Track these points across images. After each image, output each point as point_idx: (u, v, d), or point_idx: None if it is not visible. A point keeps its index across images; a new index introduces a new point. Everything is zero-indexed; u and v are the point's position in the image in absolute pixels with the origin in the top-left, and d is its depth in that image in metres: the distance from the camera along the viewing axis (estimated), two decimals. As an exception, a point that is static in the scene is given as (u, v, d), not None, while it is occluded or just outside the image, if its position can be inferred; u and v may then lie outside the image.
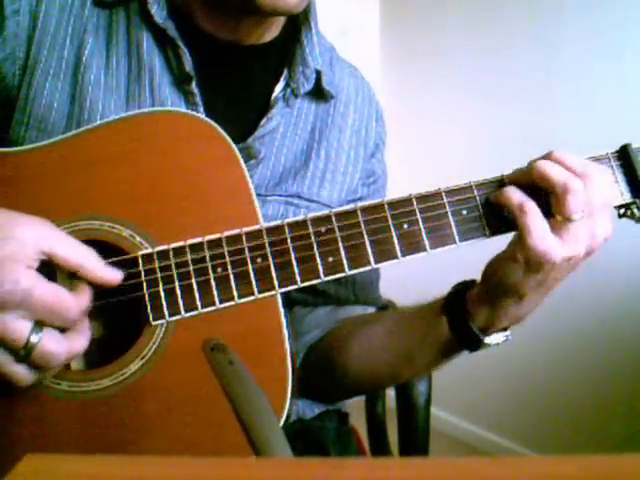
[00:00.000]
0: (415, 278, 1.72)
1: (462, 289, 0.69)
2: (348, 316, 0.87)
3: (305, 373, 0.84)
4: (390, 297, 0.97)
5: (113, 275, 0.59)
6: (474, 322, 0.67)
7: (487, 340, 0.68)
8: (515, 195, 0.62)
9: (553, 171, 0.61)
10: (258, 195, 0.77)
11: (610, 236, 0.63)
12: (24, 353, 0.53)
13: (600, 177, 0.62)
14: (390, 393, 1.02)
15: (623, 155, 0.67)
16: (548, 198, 0.62)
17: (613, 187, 0.66)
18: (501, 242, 0.67)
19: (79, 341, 0.57)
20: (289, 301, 0.86)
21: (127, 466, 0.28)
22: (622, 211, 0.68)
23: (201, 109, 0.75)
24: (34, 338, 0.53)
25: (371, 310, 0.90)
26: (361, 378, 0.82)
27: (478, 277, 0.68)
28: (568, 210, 0.60)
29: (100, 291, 0.61)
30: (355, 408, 1.02)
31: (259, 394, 0.39)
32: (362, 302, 0.89)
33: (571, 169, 0.61)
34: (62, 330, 0.57)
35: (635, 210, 0.67)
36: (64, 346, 0.55)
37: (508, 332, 0.69)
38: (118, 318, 0.64)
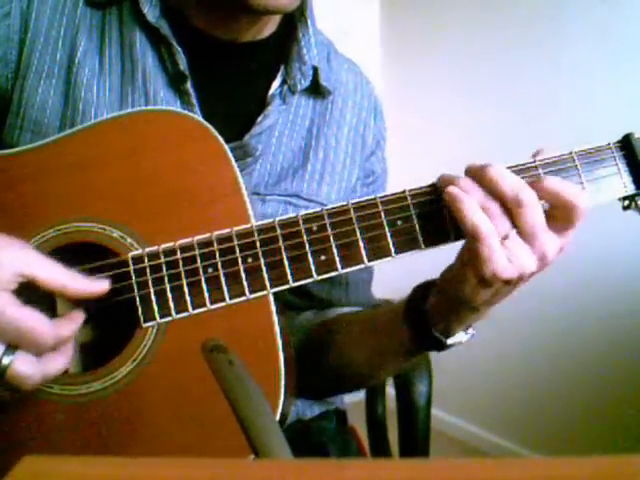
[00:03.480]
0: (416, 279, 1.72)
1: (420, 296, 0.68)
2: (329, 317, 0.86)
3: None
4: (390, 297, 0.96)
5: (98, 285, 0.59)
6: (436, 328, 0.66)
7: (450, 341, 0.67)
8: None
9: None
10: (257, 194, 0.77)
11: (564, 248, 0.60)
12: None
13: (534, 200, 0.58)
14: (390, 393, 1.02)
15: (626, 145, 0.64)
16: None
17: (616, 179, 0.64)
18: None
19: (55, 363, 0.57)
20: (282, 305, 0.86)
21: (123, 467, 0.28)
22: (626, 203, 0.66)
23: (196, 109, 0.75)
24: (6, 360, 0.54)
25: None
26: (342, 378, 0.83)
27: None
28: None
29: None
30: (355, 408, 1.01)
31: (259, 395, 0.39)
32: (353, 303, 0.88)
33: (503, 195, 0.57)
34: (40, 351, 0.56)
35: None
36: (37, 369, 0.55)
37: (471, 330, 0.68)
38: (112, 320, 0.64)
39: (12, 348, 0.54)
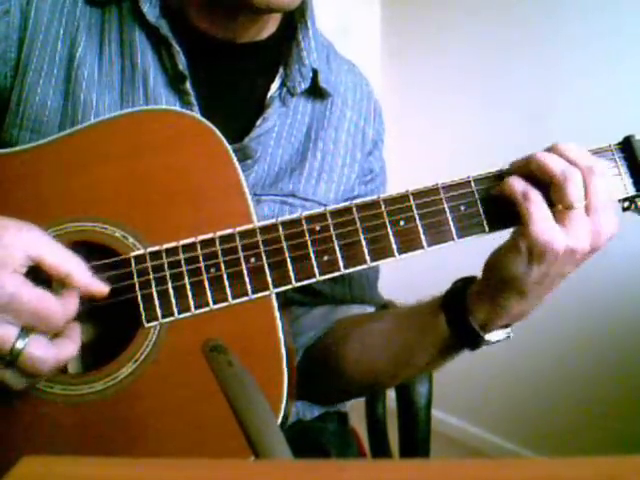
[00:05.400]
0: (417, 278, 1.72)
1: (461, 286, 0.68)
2: (344, 316, 0.86)
3: (302, 375, 0.84)
4: (391, 298, 0.96)
5: (100, 287, 0.59)
6: (474, 318, 0.66)
7: (487, 337, 0.66)
8: (518, 184, 0.61)
9: (551, 161, 0.61)
10: (254, 195, 0.77)
11: (615, 234, 0.61)
12: (10, 359, 0.53)
13: (604, 172, 0.61)
14: (390, 394, 1.02)
15: (626, 147, 0.65)
16: (548, 191, 0.61)
17: (616, 180, 0.65)
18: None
19: (67, 347, 0.56)
20: (285, 301, 0.86)
21: (124, 467, 0.28)
22: (626, 204, 0.66)
23: (196, 108, 0.74)
24: (20, 344, 0.53)
25: (370, 309, 0.89)
26: (360, 379, 0.82)
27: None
28: (568, 198, 0.59)
29: None
30: (355, 409, 1.01)
31: (259, 395, 0.39)
32: (359, 301, 0.88)
33: (572, 161, 0.60)
34: (52, 336, 0.56)
35: None
36: (51, 352, 0.55)
37: (509, 329, 0.67)
38: (115, 320, 0.64)
39: (26, 331, 0.54)
